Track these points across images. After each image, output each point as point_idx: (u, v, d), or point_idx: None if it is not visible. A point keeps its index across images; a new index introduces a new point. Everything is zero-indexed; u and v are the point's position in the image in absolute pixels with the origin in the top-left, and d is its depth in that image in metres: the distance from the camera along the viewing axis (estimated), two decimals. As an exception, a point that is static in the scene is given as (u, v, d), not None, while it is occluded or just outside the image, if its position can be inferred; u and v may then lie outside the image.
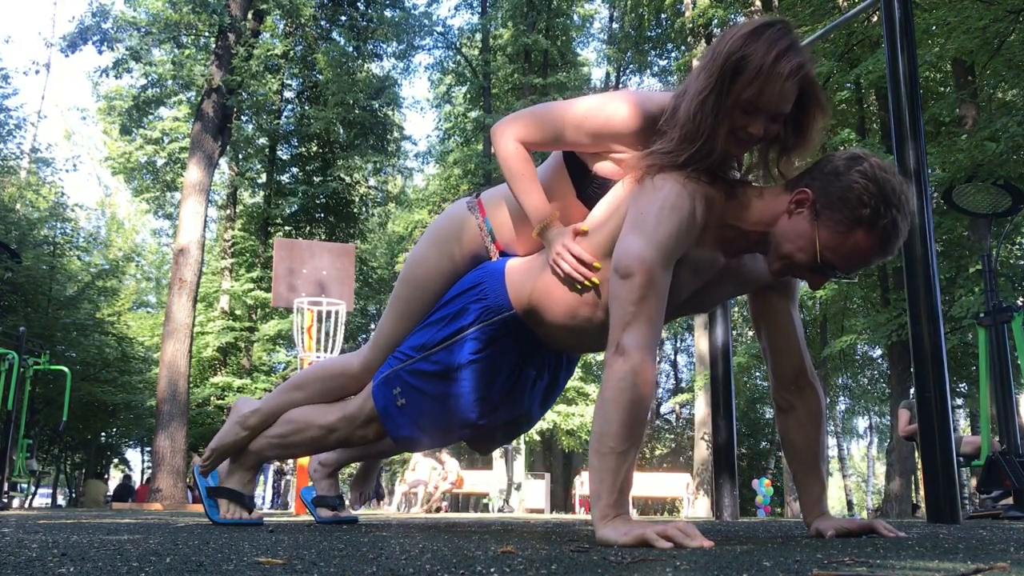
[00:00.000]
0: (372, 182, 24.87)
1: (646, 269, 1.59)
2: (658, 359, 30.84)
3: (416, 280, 2.14)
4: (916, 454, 11.34)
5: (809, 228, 1.64)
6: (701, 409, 16.96)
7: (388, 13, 19.09)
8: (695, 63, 15.95)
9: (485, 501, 17.15)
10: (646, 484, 15.75)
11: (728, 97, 1.66)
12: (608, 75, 25.84)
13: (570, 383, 17.91)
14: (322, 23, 18.85)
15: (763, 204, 1.72)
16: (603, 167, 1.86)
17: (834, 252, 1.63)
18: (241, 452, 2.40)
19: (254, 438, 2.37)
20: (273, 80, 17.77)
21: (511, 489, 15.50)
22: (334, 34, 19.10)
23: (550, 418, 17.39)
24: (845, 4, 11.39)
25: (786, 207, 1.68)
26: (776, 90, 1.64)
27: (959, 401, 20.88)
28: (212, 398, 19.44)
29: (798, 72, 1.65)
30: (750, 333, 21.71)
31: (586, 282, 1.78)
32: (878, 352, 18.87)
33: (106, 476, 25.96)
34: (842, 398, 26.49)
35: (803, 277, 1.72)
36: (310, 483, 2.76)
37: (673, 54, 22.15)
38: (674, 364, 31.85)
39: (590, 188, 1.91)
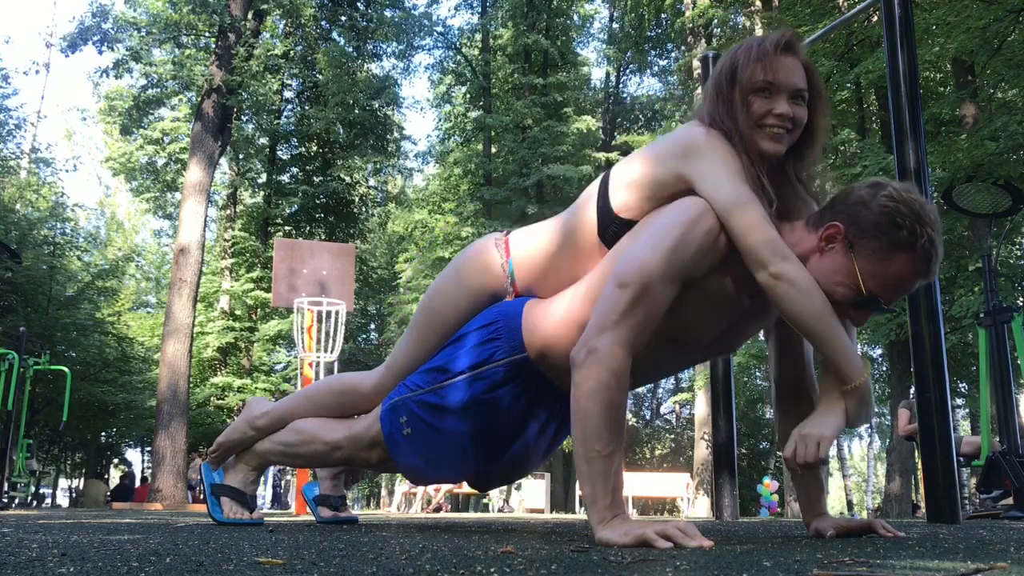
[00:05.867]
0: (372, 182, 24.87)
1: (644, 282, 1.55)
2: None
3: (433, 310, 2.10)
4: (916, 454, 11.34)
5: (846, 261, 1.61)
6: (701, 409, 16.96)
7: (388, 13, 19.09)
8: (695, 63, 16.01)
9: (485, 501, 17.16)
10: (646, 484, 15.75)
11: (734, 93, 1.70)
12: (608, 75, 25.85)
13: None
14: (322, 23, 18.86)
15: (791, 242, 1.66)
16: (626, 207, 1.78)
17: (877, 281, 1.60)
18: (247, 451, 2.42)
19: (261, 439, 2.38)
20: (273, 80, 17.77)
21: (511, 489, 15.50)
22: (334, 34, 19.11)
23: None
24: (845, 4, 11.38)
25: (816, 245, 1.64)
26: (778, 63, 1.69)
27: (959, 401, 20.87)
28: (212, 398, 19.44)
29: (783, 38, 1.71)
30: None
31: None
32: (878, 352, 18.87)
33: (106, 476, 25.95)
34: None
35: (844, 315, 1.66)
36: (310, 478, 2.76)
37: (673, 54, 22.16)
38: (674, 364, 31.74)
39: (611, 227, 1.82)
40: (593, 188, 1.89)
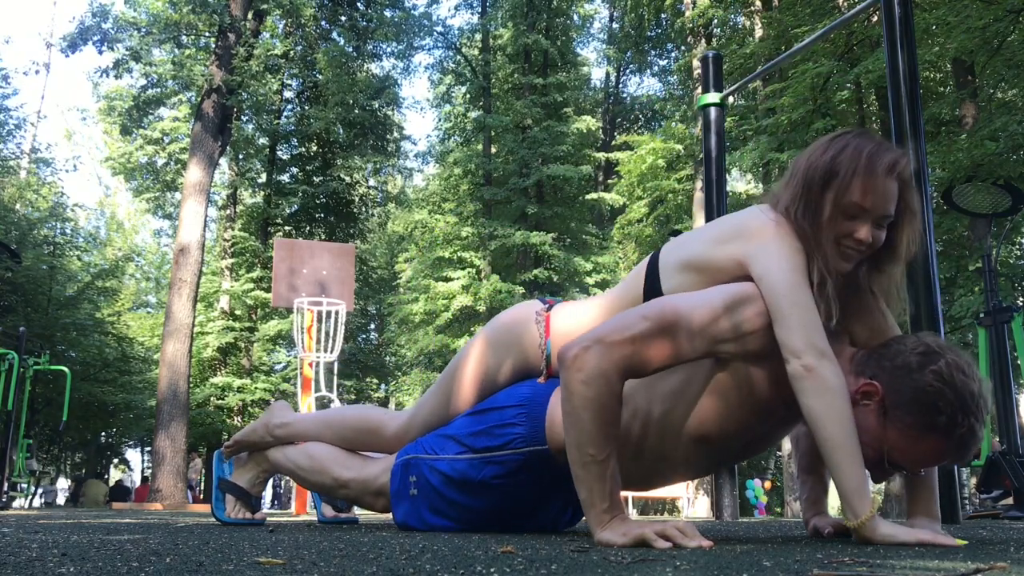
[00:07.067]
0: (372, 182, 24.89)
1: (669, 322, 1.48)
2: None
3: (463, 376, 2.05)
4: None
5: (876, 425, 1.51)
6: (701, 409, 16.89)
7: (388, 13, 19.11)
8: (695, 63, 16.01)
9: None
10: (646, 484, 15.71)
11: (823, 201, 1.58)
12: (608, 75, 25.85)
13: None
14: (322, 23, 18.87)
15: None
16: (678, 292, 1.70)
17: (903, 455, 1.51)
18: (260, 452, 2.43)
19: (276, 446, 2.39)
20: (273, 80, 17.78)
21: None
22: (334, 34, 19.12)
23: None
24: (845, 4, 11.38)
25: (851, 394, 1.53)
26: (879, 187, 1.55)
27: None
28: (212, 398, 19.46)
29: (896, 165, 1.57)
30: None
31: None
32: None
33: (106, 476, 25.96)
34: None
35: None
36: None
37: (673, 54, 22.14)
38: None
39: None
40: (641, 269, 1.79)
